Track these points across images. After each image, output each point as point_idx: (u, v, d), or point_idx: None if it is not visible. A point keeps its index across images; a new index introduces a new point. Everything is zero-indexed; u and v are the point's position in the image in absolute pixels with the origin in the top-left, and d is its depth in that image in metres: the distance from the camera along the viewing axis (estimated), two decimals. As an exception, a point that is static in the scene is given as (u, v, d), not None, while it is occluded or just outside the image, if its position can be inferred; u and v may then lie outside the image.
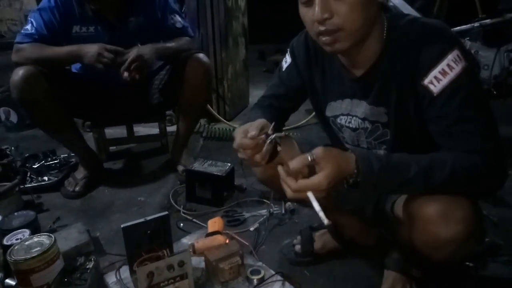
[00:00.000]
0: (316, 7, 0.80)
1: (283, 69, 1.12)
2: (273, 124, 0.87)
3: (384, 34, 0.87)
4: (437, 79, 0.80)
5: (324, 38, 0.84)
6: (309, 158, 0.77)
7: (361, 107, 0.96)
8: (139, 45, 1.62)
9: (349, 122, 1.01)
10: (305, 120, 2.61)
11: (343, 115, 1.02)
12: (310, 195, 0.77)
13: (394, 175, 0.80)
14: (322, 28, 0.82)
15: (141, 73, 1.60)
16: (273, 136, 0.84)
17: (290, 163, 0.78)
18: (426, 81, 0.82)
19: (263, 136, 0.84)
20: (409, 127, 0.91)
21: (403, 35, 0.85)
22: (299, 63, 1.08)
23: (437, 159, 0.80)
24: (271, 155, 0.87)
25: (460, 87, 0.80)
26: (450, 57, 0.79)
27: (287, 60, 1.11)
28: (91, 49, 1.56)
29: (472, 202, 0.83)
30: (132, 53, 1.57)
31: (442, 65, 0.80)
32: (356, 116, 0.98)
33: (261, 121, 0.88)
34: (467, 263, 1.22)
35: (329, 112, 1.06)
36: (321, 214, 0.75)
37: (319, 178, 0.76)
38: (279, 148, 0.83)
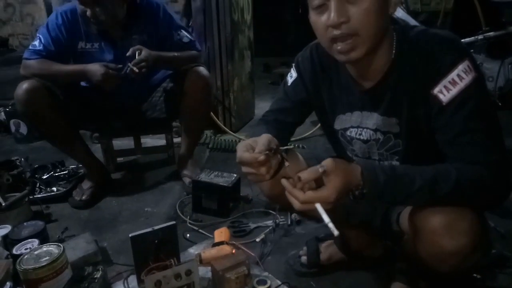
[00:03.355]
0: (332, 11, 0.79)
1: (289, 84, 1.11)
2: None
3: (394, 45, 0.88)
4: (446, 89, 0.81)
5: (339, 47, 0.83)
6: (320, 170, 0.77)
7: (372, 119, 0.96)
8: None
9: (360, 134, 1.00)
10: (310, 132, 2.62)
11: (353, 127, 1.01)
12: (319, 206, 0.77)
13: (399, 186, 0.80)
14: (337, 32, 0.81)
15: (141, 74, 1.64)
16: (283, 148, 0.84)
17: (301, 174, 0.78)
18: (436, 90, 0.82)
19: (267, 152, 0.83)
20: (421, 136, 0.91)
21: (413, 46, 0.86)
22: (305, 78, 1.07)
23: (442, 171, 0.80)
24: (275, 170, 0.86)
25: (469, 97, 0.80)
26: (461, 68, 0.80)
27: (292, 75, 1.10)
28: (96, 71, 1.61)
29: (477, 214, 0.83)
30: (145, 51, 1.64)
31: (452, 75, 0.80)
32: (367, 128, 0.98)
33: (266, 137, 0.87)
34: (475, 275, 1.21)
35: (338, 125, 1.05)
36: (331, 225, 0.75)
37: (328, 190, 0.76)
38: (286, 164, 0.83)
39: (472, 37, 2.55)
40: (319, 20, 0.83)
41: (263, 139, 0.86)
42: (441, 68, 0.81)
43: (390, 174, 0.80)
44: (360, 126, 0.99)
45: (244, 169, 0.87)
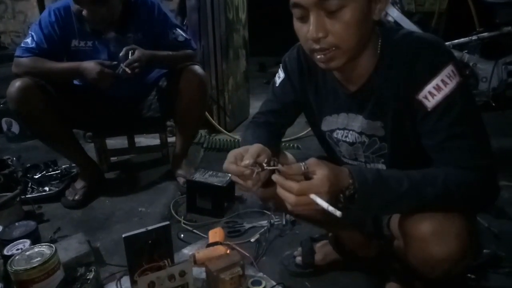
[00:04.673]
0: (311, 25, 0.79)
1: (277, 85, 1.10)
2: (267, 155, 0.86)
3: (379, 49, 0.88)
4: (431, 94, 0.81)
5: (318, 56, 0.83)
6: (303, 168, 0.76)
7: (358, 121, 0.96)
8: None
9: (346, 136, 1.00)
10: (304, 132, 2.61)
11: (339, 129, 1.01)
12: (314, 196, 0.74)
13: (386, 189, 0.79)
14: (316, 46, 0.81)
15: (134, 74, 1.63)
16: (268, 168, 0.82)
17: (287, 168, 0.76)
18: (420, 96, 0.82)
19: (252, 168, 0.82)
20: (406, 140, 0.91)
21: (397, 49, 0.85)
22: (293, 78, 1.06)
23: (429, 175, 0.80)
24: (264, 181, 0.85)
25: (454, 102, 0.80)
26: (445, 72, 0.80)
27: (280, 76, 1.09)
28: (91, 69, 1.59)
29: (465, 218, 0.83)
30: (138, 52, 1.63)
31: (437, 80, 0.80)
32: (353, 130, 0.98)
33: (256, 148, 0.86)
34: (469, 275, 1.22)
35: (324, 127, 1.05)
36: (331, 208, 0.72)
37: (319, 179, 0.74)
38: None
39: (466, 38, 2.57)
40: (301, 30, 0.83)
41: (252, 151, 0.85)
42: (425, 73, 0.81)
43: (378, 175, 0.79)
44: (346, 128, 0.99)
45: (233, 177, 0.88)
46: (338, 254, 1.28)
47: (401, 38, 0.86)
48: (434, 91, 0.80)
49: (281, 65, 1.10)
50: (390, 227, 1.03)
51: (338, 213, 0.72)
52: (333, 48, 0.81)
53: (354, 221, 1.15)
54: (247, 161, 0.83)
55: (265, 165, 0.82)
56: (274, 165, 0.81)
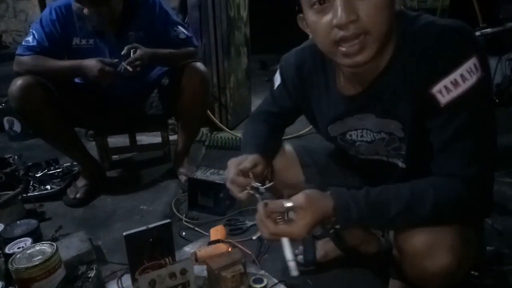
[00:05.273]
0: (339, 9, 0.70)
1: (275, 88, 1.08)
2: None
3: (394, 42, 0.80)
4: (447, 89, 0.74)
5: (344, 48, 0.75)
6: (286, 206, 0.78)
7: (370, 120, 0.90)
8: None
9: (362, 136, 0.94)
10: (307, 129, 2.61)
11: (351, 130, 0.95)
12: (285, 241, 0.79)
13: (374, 217, 0.78)
14: (346, 33, 0.72)
15: (135, 72, 1.63)
16: (263, 187, 0.91)
17: (271, 203, 0.80)
18: (435, 90, 0.75)
19: (249, 191, 0.91)
20: (425, 142, 0.84)
21: (416, 42, 0.77)
22: (289, 85, 1.03)
23: (419, 193, 0.77)
24: None
25: (469, 102, 0.74)
26: (466, 66, 0.72)
27: (277, 79, 1.06)
28: (92, 67, 1.59)
29: (459, 228, 0.80)
30: (140, 50, 1.63)
31: (455, 74, 0.72)
32: (368, 130, 0.92)
33: (253, 159, 0.94)
34: (472, 272, 1.20)
35: (333, 132, 1.00)
36: (292, 264, 0.77)
37: (298, 227, 0.77)
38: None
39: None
40: (321, 20, 0.75)
41: (250, 161, 0.95)
42: (443, 65, 0.74)
43: (364, 206, 0.77)
44: (359, 128, 0.94)
45: (229, 185, 0.96)
46: (340, 250, 1.28)
47: (422, 28, 0.77)
48: (451, 86, 0.73)
49: (278, 67, 1.06)
50: (388, 234, 1.03)
51: (294, 273, 0.78)
52: (362, 36, 0.73)
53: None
54: (246, 165, 0.93)
55: (258, 193, 0.90)
56: (268, 184, 0.93)
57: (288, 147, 1.15)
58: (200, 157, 2.31)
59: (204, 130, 2.54)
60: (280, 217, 0.80)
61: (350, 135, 0.96)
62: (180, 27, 1.82)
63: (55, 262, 1.09)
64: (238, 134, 2.63)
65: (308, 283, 1.23)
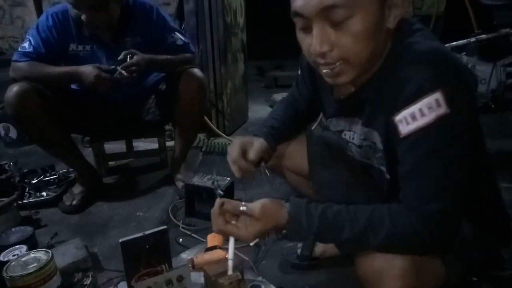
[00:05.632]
0: (314, 38, 0.71)
1: (299, 74, 1.13)
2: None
3: (384, 55, 0.79)
4: (406, 121, 0.72)
5: (324, 70, 0.76)
6: (241, 209, 0.82)
7: (358, 127, 0.90)
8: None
9: (353, 138, 0.95)
10: (313, 126, 2.59)
11: (345, 130, 0.97)
12: (232, 241, 0.86)
13: (324, 237, 0.81)
14: (321, 61, 0.74)
15: (132, 78, 1.63)
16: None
17: (226, 202, 0.84)
18: (397, 118, 0.74)
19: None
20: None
21: (396, 62, 0.75)
22: (305, 76, 1.08)
23: (375, 222, 0.75)
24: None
25: (426, 137, 0.71)
26: (426, 101, 0.69)
27: (299, 71, 1.12)
28: (88, 73, 1.58)
29: (414, 256, 0.76)
30: (137, 56, 1.63)
31: (414, 108, 0.70)
32: (357, 133, 0.93)
33: (258, 150, 1.05)
34: (473, 278, 1.20)
35: (332, 128, 1.02)
36: (230, 263, 0.86)
37: (246, 233, 0.80)
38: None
39: (465, 40, 2.57)
40: (303, 41, 0.76)
41: (255, 150, 1.06)
42: (407, 96, 0.71)
43: (316, 225, 0.78)
44: (351, 130, 0.95)
45: (232, 165, 1.08)
46: (337, 248, 1.27)
47: (405, 46, 0.75)
48: (410, 119, 0.72)
49: (300, 59, 1.08)
50: None
51: (230, 271, 0.90)
52: (341, 62, 0.73)
53: None
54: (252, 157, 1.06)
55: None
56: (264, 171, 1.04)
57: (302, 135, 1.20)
58: (197, 163, 2.30)
59: (201, 136, 2.54)
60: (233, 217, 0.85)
61: (345, 134, 0.98)
62: (177, 33, 1.83)
63: (50, 270, 1.08)
64: (236, 140, 2.61)
65: (306, 289, 1.22)
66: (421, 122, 0.70)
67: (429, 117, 0.69)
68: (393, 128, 0.75)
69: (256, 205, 0.80)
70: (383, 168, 0.90)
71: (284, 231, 0.82)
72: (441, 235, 0.74)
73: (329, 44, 0.71)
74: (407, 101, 0.71)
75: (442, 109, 0.69)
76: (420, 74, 0.70)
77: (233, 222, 0.84)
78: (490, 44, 2.51)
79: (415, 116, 0.71)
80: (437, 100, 0.68)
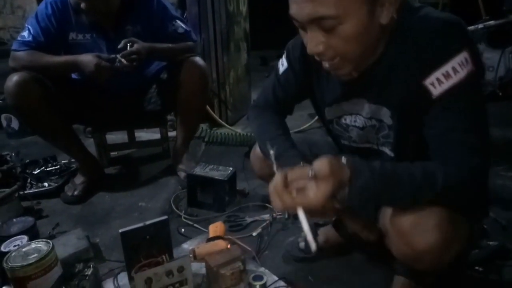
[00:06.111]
0: (308, 40, 0.77)
1: (280, 73, 1.09)
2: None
3: (388, 36, 0.82)
4: (439, 81, 0.76)
5: (326, 64, 0.81)
6: (310, 174, 0.73)
7: (363, 106, 0.93)
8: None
9: (355, 121, 0.97)
10: (308, 124, 2.58)
11: (346, 114, 0.99)
12: (301, 214, 0.73)
13: (385, 192, 0.77)
14: (318, 58, 0.80)
15: (132, 66, 1.60)
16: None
17: (289, 174, 0.75)
18: (427, 82, 0.77)
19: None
20: (412, 131, 0.87)
21: (411, 33, 0.79)
22: (295, 67, 1.05)
23: (429, 178, 0.76)
24: None
25: (462, 93, 0.76)
26: (457, 60, 0.74)
27: (283, 64, 1.08)
28: (88, 62, 1.56)
29: (447, 210, 0.80)
30: (137, 44, 1.60)
31: (447, 67, 0.75)
32: (361, 115, 0.95)
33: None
34: (477, 267, 1.18)
35: (331, 115, 1.03)
36: (310, 237, 0.73)
37: (317, 198, 0.71)
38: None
39: (472, 26, 2.51)
40: (304, 37, 0.81)
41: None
42: (436, 58, 0.76)
43: (378, 179, 0.75)
44: (353, 113, 0.97)
45: None
46: (340, 236, 1.27)
47: (417, 20, 0.79)
48: (443, 78, 0.75)
49: (285, 52, 1.07)
50: (380, 222, 1.00)
51: (313, 247, 0.73)
52: (338, 58, 0.78)
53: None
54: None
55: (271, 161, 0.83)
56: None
57: None
58: (199, 153, 2.28)
59: (203, 126, 2.52)
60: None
61: (345, 119, 0.99)
62: (178, 21, 1.80)
63: (51, 260, 1.07)
64: (238, 130, 2.60)
65: (309, 280, 1.21)
66: (455, 79, 0.75)
67: (461, 74, 0.74)
68: (421, 93, 0.78)
69: (323, 163, 0.73)
70: (384, 149, 0.95)
71: (346, 190, 0.74)
72: (481, 185, 0.81)
73: (322, 46, 0.76)
74: (438, 62, 0.75)
75: (471, 66, 0.75)
76: (447, 37, 0.75)
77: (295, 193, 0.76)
78: (499, 31, 2.46)
79: (449, 74, 0.75)
80: (466, 58, 0.74)
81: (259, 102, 1.17)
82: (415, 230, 0.80)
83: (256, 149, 1.20)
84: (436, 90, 0.77)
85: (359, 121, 0.96)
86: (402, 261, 0.89)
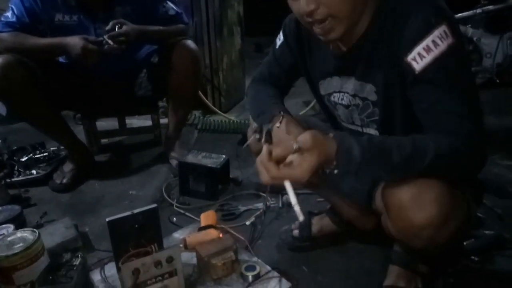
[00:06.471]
0: (301, 0, 0.79)
1: (277, 47, 1.12)
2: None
3: (373, 8, 0.84)
4: (420, 56, 0.77)
5: (317, 29, 0.83)
6: (294, 147, 0.74)
7: (350, 83, 0.94)
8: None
9: (342, 99, 0.99)
10: (303, 112, 2.55)
11: (335, 92, 1.01)
12: (288, 185, 0.75)
13: (375, 162, 0.78)
14: (312, 19, 0.81)
15: (120, 49, 1.55)
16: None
17: (273, 150, 0.76)
18: (409, 58, 0.79)
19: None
20: (398, 107, 0.89)
21: (392, 8, 0.82)
22: (290, 41, 1.06)
23: (420, 146, 0.77)
24: None
25: (444, 65, 0.77)
26: (436, 33, 0.76)
27: (280, 38, 1.10)
28: (74, 44, 1.50)
29: (444, 183, 0.81)
30: (126, 26, 1.55)
31: (427, 41, 0.76)
32: (347, 93, 0.97)
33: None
34: (473, 257, 1.17)
35: (322, 91, 1.05)
36: (297, 208, 0.73)
37: (302, 169, 0.73)
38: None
39: (470, 11, 2.46)
40: (294, 7, 0.83)
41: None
42: (415, 33, 0.78)
43: (367, 149, 0.76)
44: (341, 91, 0.99)
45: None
46: (335, 225, 1.26)
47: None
48: (424, 53, 0.77)
49: (282, 27, 1.10)
50: (376, 202, 1.01)
51: (301, 217, 0.73)
52: (329, 19, 0.79)
53: (349, 190, 1.13)
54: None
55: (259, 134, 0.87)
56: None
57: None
58: (192, 141, 2.24)
59: (196, 113, 2.48)
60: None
61: (333, 97, 1.02)
62: (169, 3, 1.74)
63: (37, 250, 1.05)
64: (232, 117, 2.56)
65: (303, 270, 1.18)
66: (436, 52, 0.76)
67: (442, 47, 0.76)
68: (404, 69, 0.80)
69: (306, 137, 0.75)
70: (369, 130, 0.97)
71: (334, 163, 0.76)
72: (478, 152, 0.80)
73: (314, 2, 0.78)
74: (418, 38, 0.77)
75: (451, 39, 0.76)
76: (425, 12, 0.77)
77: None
78: (497, 16, 2.41)
79: (429, 48, 0.76)
80: (445, 31, 0.76)
81: (255, 77, 1.20)
82: (413, 204, 0.80)
83: (253, 124, 1.18)
84: (419, 65, 0.78)
85: (346, 99, 0.98)
86: (398, 238, 0.89)
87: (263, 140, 0.86)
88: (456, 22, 0.80)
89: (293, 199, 0.74)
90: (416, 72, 0.79)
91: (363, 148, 0.76)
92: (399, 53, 0.80)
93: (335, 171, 0.77)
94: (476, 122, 0.78)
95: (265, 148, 0.78)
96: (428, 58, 0.77)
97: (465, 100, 0.78)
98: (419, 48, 0.77)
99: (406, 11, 0.79)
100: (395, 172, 0.79)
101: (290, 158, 0.75)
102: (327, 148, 0.75)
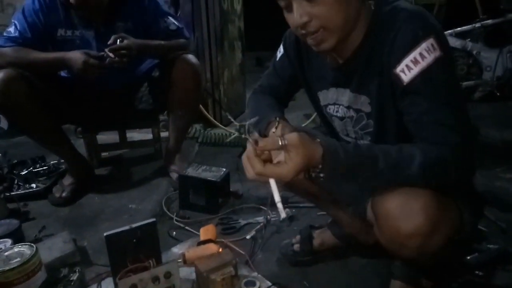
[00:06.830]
0: (294, 13, 0.81)
1: (277, 59, 1.14)
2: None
3: (368, 21, 0.86)
4: (408, 68, 0.80)
5: (310, 40, 0.85)
6: (281, 143, 0.74)
7: (345, 96, 0.96)
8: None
9: (337, 111, 1.01)
10: (303, 125, 2.54)
11: (330, 104, 1.02)
12: (273, 183, 0.75)
13: (361, 168, 0.79)
14: (304, 31, 0.83)
15: (122, 63, 1.55)
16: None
17: (260, 141, 0.75)
18: (398, 69, 0.81)
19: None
20: (392, 119, 0.90)
21: (384, 23, 0.84)
22: (290, 53, 1.08)
23: (406, 155, 0.78)
24: None
25: (431, 77, 0.79)
26: (424, 46, 0.78)
27: (281, 50, 1.12)
28: (76, 59, 1.51)
29: (434, 192, 0.81)
30: (127, 40, 1.56)
31: (415, 53, 0.78)
32: (342, 105, 0.98)
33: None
34: (477, 272, 1.15)
35: (322, 102, 1.06)
36: (280, 205, 0.74)
37: (287, 168, 0.73)
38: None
39: (469, 25, 2.48)
40: (289, 19, 0.86)
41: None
42: (404, 46, 0.80)
43: (353, 154, 0.78)
44: (336, 103, 1.00)
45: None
46: (336, 239, 1.25)
47: (389, 10, 0.85)
48: (411, 65, 0.79)
49: (282, 39, 1.12)
50: (367, 213, 1.01)
51: (283, 215, 0.74)
52: (321, 30, 0.82)
53: (347, 202, 1.14)
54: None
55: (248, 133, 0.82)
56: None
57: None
58: (193, 154, 2.24)
59: (197, 126, 2.48)
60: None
61: (329, 109, 1.04)
62: (170, 18, 1.76)
63: (35, 265, 1.04)
64: (232, 130, 2.56)
65: (304, 285, 1.16)
66: (423, 64, 0.78)
67: (429, 59, 0.78)
68: (394, 81, 0.82)
69: (293, 136, 0.75)
70: (363, 142, 0.97)
71: (319, 167, 0.76)
72: (465, 162, 0.81)
73: (307, 15, 0.80)
74: (406, 50, 0.79)
75: (438, 52, 0.78)
76: (413, 26, 0.80)
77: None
78: (496, 30, 2.43)
79: (416, 60, 0.78)
80: (432, 44, 0.78)
81: (256, 89, 1.22)
82: (401, 212, 0.81)
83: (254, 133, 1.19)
84: (407, 77, 0.80)
85: (340, 111, 1.00)
86: (388, 247, 0.89)
87: (248, 135, 0.83)
88: (444, 36, 0.83)
89: (276, 196, 0.75)
90: (404, 84, 0.80)
91: (349, 153, 0.77)
92: (389, 65, 0.82)
93: (321, 175, 0.77)
94: (463, 132, 0.79)
95: (250, 142, 0.77)
96: (416, 70, 0.79)
97: (452, 111, 0.79)
98: (407, 60, 0.79)
99: (397, 24, 0.81)
100: (381, 178, 0.80)
101: (276, 158, 0.76)
102: (313, 150, 0.76)
